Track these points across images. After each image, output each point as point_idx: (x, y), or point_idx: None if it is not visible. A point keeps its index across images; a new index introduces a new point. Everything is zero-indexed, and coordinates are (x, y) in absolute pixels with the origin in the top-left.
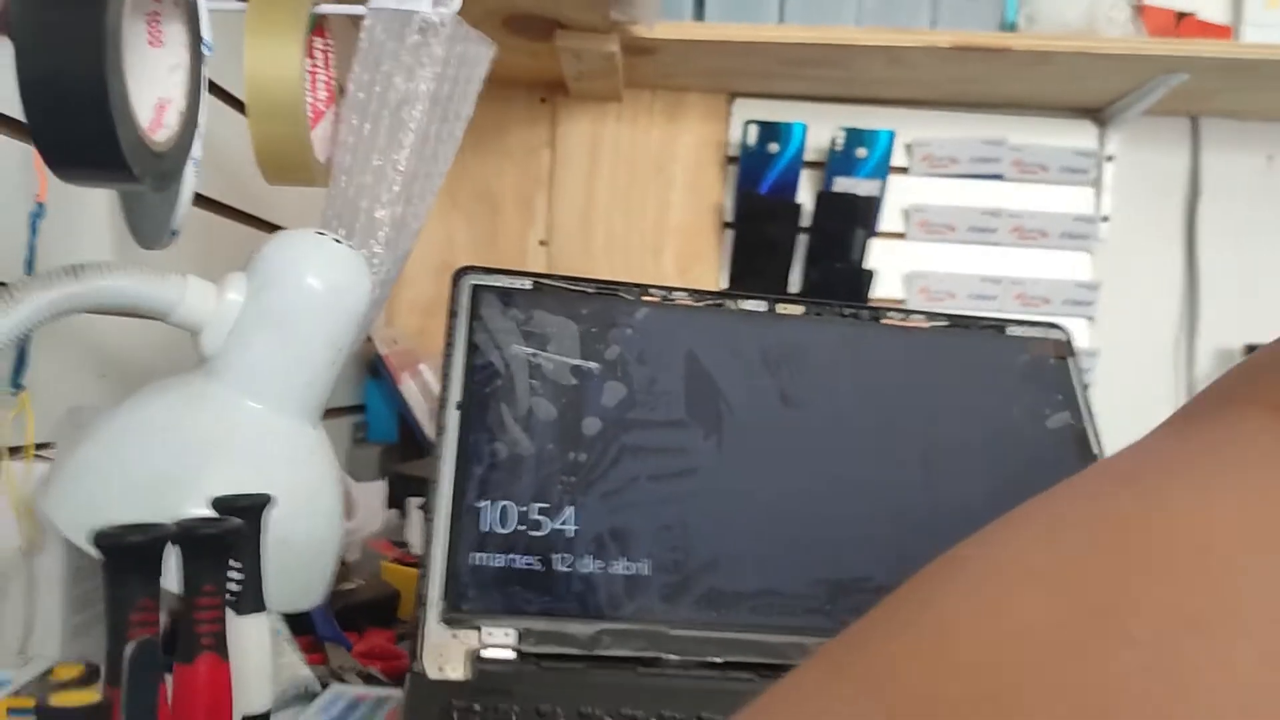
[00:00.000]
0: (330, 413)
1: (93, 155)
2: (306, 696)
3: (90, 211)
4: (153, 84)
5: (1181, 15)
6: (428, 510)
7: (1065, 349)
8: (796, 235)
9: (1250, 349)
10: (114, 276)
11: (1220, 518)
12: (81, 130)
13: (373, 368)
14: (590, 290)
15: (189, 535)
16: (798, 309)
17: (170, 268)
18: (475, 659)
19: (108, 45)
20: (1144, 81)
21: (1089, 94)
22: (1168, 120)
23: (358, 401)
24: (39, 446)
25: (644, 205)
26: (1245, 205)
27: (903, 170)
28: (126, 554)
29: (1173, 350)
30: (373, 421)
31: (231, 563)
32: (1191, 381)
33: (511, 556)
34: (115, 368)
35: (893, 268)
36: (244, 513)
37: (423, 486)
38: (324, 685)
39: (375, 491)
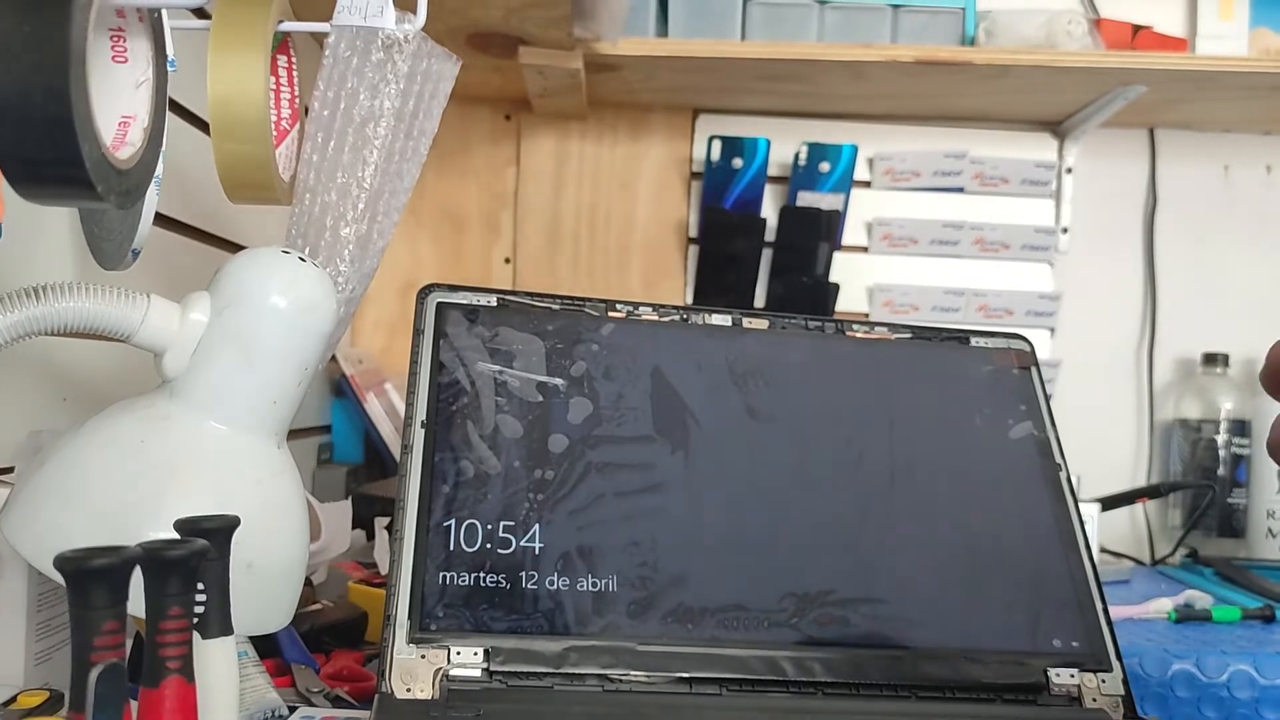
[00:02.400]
0: (295, 433)
1: (55, 173)
2: None
3: (50, 233)
4: (116, 100)
5: (1138, 28)
6: (394, 530)
7: (1028, 359)
8: (761, 250)
9: (1209, 358)
10: (75, 298)
11: None
12: (44, 147)
13: (337, 388)
14: (556, 306)
15: (154, 558)
16: (763, 323)
17: (132, 288)
18: (443, 678)
19: (72, 61)
20: (1102, 94)
21: (1048, 107)
22: (1125, 132)
23: (323, 422)
24: None
25: (609, 222)
26: (1203, 215)
27: (865, 184)
28: (90, 577)
29: (1133, 360)
30: (338, 442)
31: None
32: (1152, 391)
33: (478, 575)
34: (77, 390)
35: (856, 281)
36: (210, 534)
37: (389, 506)
38: (291, 708)
39: (341, 512)
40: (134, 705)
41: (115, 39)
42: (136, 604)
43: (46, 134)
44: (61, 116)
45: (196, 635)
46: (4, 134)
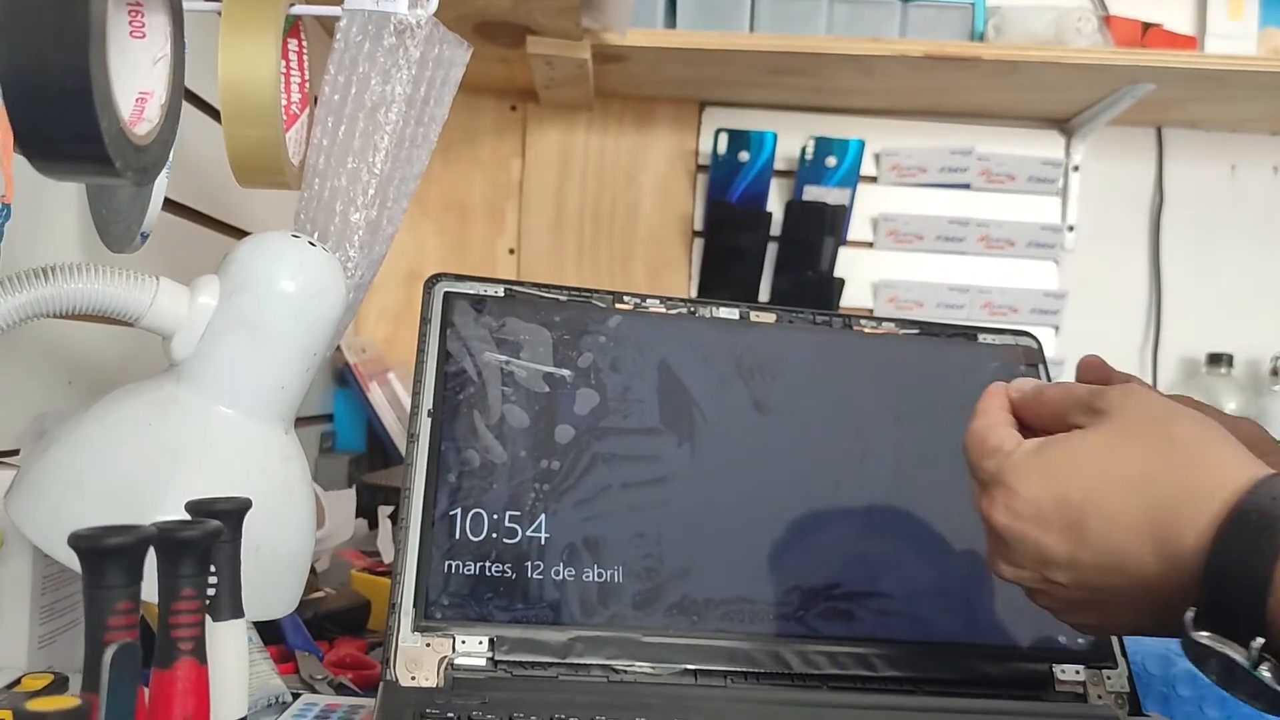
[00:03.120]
0: (297, 421)
1: (74, 148)
2: (278, 706)
3: (58, 214)
4: (134, 76)
5: (1147, 26)
6: (399, 518)
7: (1035, 356)
8: (766, 244)
9: (1214, 357)
10: (84, 279)
11: None
12: (63, 122)
13: (341, 376)
14: (563, 298)
15: (169, 538)
16: (770, 317)
17: (141, 271)
18: (448, 667)
19: (91, 35)
20: (1110, 91)
21: (1056, 104)
22: (1133, 130)
23: (325, 410)
24: (4, 454)
25: (614, 213)
26: (1209, 215)
27: (872, 179)
28: (105, 556)
29: (1138, 358)
30: (340, 430)
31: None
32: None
33: (484, 564)
34: (83, 373)
35: (861, 276)
36: (223, 516)
37: (391, 495)
38: (295, 695)
39: (345, 500)
40: (145, 687)
41: (134, 14)
42: (147, 586)
43: (65, 108)
44: (80, 91)
45: (207, 617)
46: (23, 108)
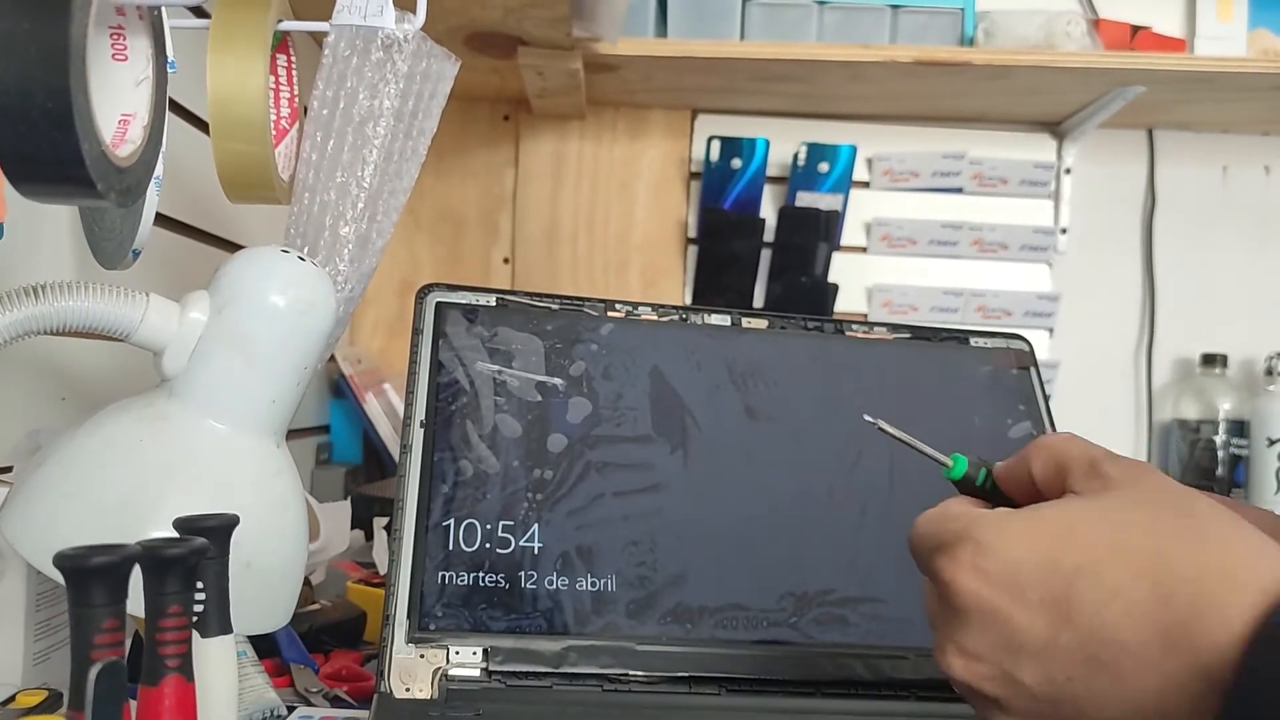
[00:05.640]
0: (294, 433)
1: (55, 170)
2: None
3: (51, 232)
4: (116, 99)
5: (1137, 29)
6: (393, 529)
7: (1027, 359)
8: (760, 250)
9: (1208, 358)
10: (75, 297)
11: None
12: (44, 144)
13: (336, 388)
14: (555, 306)
15: (153, 556)
16: (762, 323)
17: (131, 287)
18: (443, 678)
19: (72, 58)
20: (1101, 94)
21: (1047, 107)
22: (1124, 133)
23: (322, 422)
24: None
25: (608, 221)
26: (1201, 216)
27: (864, 184)
28: (90, 575)
29: (1131, 360)
30: (337, 442)
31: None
32: (1150, 392)
33: (478, 575)
34: (76, 390)
35: (855, 281)
36: (210, 533)
37: (388, 506)
38: (290, 708)
39: (340, 512)
40: (133, 704)
41: (115, 37)
42: (136, 603)
43: (47, 131)
44: (62, 114)
45: (195, 634)
46: (4, 131)
